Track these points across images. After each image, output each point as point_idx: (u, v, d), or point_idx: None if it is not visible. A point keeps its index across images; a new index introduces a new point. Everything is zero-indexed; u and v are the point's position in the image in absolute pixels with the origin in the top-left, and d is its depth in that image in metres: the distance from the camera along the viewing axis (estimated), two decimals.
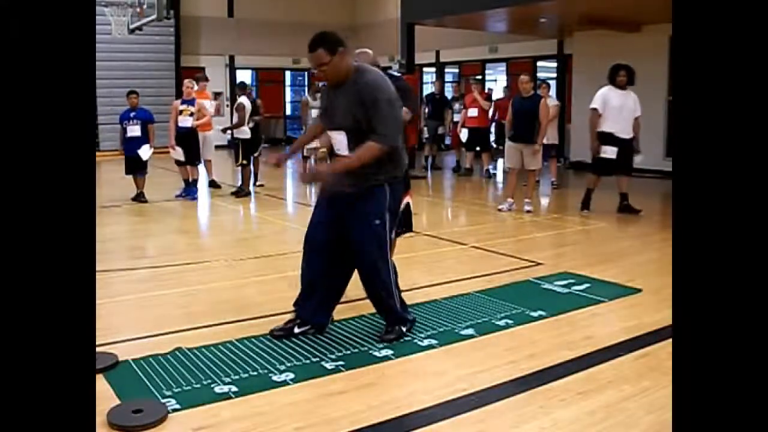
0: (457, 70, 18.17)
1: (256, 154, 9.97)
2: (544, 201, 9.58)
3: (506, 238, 6.99)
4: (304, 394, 3.07)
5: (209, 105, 10.69)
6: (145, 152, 9.02)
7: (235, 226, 8.38)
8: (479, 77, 16.15)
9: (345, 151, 3.58)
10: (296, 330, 3.74)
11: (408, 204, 4.40)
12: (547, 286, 4.90)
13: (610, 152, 7.77)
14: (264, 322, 3.97)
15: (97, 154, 13.70)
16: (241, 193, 9.64)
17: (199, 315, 4.21)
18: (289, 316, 3.86)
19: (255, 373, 3.28)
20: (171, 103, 10.19)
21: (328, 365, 3.38)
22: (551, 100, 10.34)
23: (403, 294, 3.90)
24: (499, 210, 8.31)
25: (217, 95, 16.26)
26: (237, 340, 3.70)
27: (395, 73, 6.35)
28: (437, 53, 17.83)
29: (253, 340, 3.72)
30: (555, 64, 15.44)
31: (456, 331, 3.89)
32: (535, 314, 4.21)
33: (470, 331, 3.88)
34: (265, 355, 3.50)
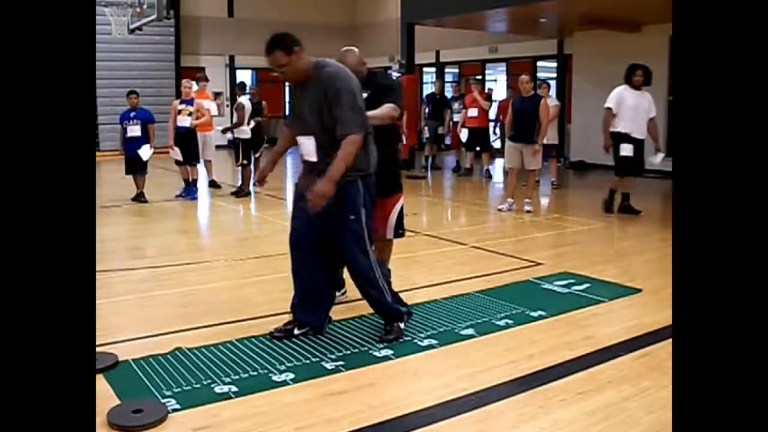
0: (457, 70, 18.17)
1: (257, 155, 9.98)
2: (544, 201, 9.58)
3: (506, 238, 7.00)
4: (304, 394, 3.07)
5: (211, 105, 10.69)
6: (145, 152, 9.02)
7: (235, 226, 8.37)
8: (479, 77, 16.16)
9: (313, 158, 3.60)
10: (296, 331, 3.75)
11: (402, 206, 4.39)
12: (547, 286, 4.90)
13: (627, 150, 7.72)
14: (264, 322, 3.97)
15: (97, 154, 13.70)
16: (241, 193, 9.65)
17: (198, 315, 4.21)
18: (289, 317, 3.86)
19: (255, 373, 3.28)
20: (171, 103, 10.19)
21: (328, 365, 3.38)
22: (551, 100, 10.33)
23: (403, 294, 3.91)
24: (499, 210, 8.31)
25: (217, 95, 16.27)
26: (237, 340, 3.70)
27: (394, 73, 6.36)
28: (437, 53, 17.84)
29: (252, 340, 3.72)
30: (555, 64, 15.46)
31: (456, 331, 3.89)
32: (535, 314, 4.21)
33: (470, 331, 3.88)
34: (265, 355, 3.50)
